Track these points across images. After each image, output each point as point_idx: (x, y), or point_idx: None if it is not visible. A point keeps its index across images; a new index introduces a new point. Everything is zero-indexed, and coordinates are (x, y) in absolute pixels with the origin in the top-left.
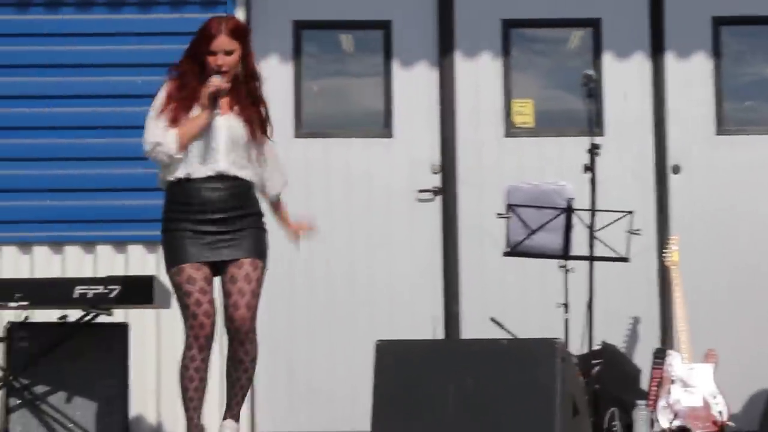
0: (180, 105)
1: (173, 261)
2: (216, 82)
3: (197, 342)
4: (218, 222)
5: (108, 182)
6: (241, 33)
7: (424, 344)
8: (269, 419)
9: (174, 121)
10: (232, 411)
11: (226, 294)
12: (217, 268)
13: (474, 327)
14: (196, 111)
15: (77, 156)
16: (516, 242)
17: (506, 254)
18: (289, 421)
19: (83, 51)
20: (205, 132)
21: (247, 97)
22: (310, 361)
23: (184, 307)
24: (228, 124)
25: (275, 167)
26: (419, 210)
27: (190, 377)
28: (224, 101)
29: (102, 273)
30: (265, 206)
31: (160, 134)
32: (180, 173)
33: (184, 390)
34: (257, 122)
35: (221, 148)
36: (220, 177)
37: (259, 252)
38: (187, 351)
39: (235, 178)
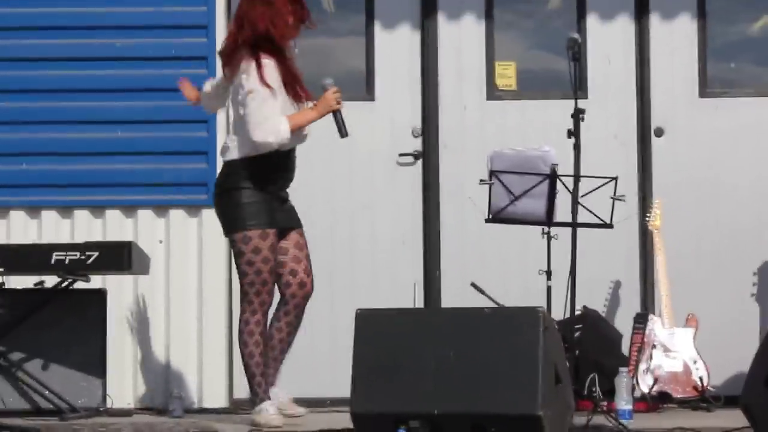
0: (295, 83)
1: (258, 223)
2: (339, 96)
3: (264, 308)
4: (283, 189)
5: (85, 146)
6: None
7: (405, 313)
8: (244, 387)
9: (297, 99)
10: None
11: (296, 260)
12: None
13: (454, 292)
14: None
15: (53, 119)
16: (499, 208)
17: (489, 221)
18: None
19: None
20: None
21: None
22: None
23: (258, 273)
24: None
25: None
26: (400, 174)
27: (256, 342)
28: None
29: (79, 239)
30: None
31: (278, 125)
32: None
33: (251, 355)
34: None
35: None
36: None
37: None
38: (251, 316)
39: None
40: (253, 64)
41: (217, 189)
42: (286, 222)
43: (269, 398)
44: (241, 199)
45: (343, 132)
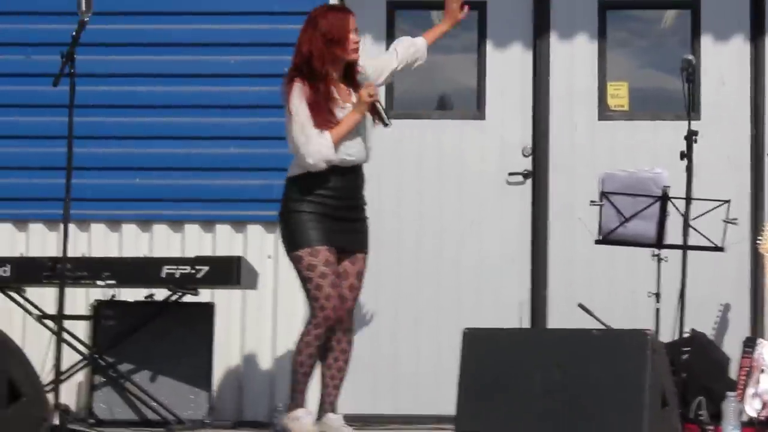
0: (324, 107)
1: (307, 241)
2: (372, 90)
3: (328, 323)
4: (346, 209)
5: (196, 161)
6: None
7: (512, 332)
8: (351, 402)
9: (322, 125)
10: (333, 402)
11: (351, 287)
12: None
13: (561, 313)
14: (338, 110)
15: (165, 135)
16: (609, 230)
17: (598, 242)
18: (371, 405)
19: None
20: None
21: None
22: (394, 344)
23: (317, 287)
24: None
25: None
26: (510, 193)
27: (309, 354)
28: (344, 88)
29: (189, 252)
30: None
31: (320, 143)
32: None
33: (301, 364)
34: (372, 108)
35: (359, 136)
36: (355, 166)
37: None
38: (313, 329)
39: (360, 167)
40: (286, 89)
41: (279, 212)
42: (348, 244)
43: (305, 407)
44: (291, 221)
45: (385, 122)
